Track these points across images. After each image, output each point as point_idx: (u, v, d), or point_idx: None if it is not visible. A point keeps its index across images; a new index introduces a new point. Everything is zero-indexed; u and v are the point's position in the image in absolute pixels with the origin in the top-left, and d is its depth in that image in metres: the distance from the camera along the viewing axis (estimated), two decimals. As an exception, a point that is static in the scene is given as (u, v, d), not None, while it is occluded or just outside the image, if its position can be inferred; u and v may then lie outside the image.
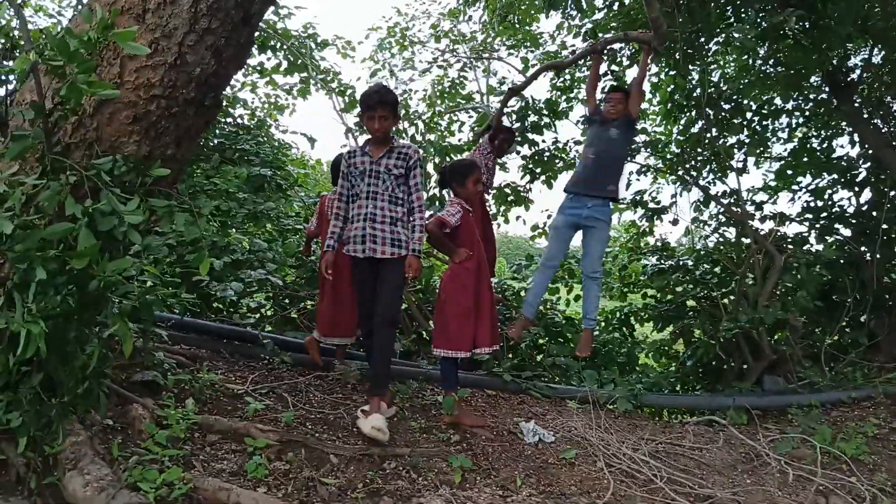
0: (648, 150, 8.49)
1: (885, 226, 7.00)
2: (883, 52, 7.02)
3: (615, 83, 7.98)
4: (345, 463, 3.55)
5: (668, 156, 8.50)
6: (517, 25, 9.00)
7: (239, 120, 8.73)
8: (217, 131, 8.10)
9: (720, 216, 8.39)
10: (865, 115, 7.29)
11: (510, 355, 6.56)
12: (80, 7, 6.23)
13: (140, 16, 3.16)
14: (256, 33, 7.32)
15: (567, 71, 8.45)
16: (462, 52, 8.76)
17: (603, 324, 8.77)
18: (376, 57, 8.95)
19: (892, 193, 7.21)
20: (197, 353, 4.89)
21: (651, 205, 8.63)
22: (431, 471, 3.64)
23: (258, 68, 8.51)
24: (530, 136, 7.98)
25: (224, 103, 7.76)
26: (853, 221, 7.62)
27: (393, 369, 5.66)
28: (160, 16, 3.15)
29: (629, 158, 7.62)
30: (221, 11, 3.20)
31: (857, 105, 7.21)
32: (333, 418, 4.26)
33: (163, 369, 4.02)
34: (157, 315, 4.94)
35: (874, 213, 7.38)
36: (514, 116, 7.83)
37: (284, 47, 7.96)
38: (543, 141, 8.13)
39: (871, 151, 7.39)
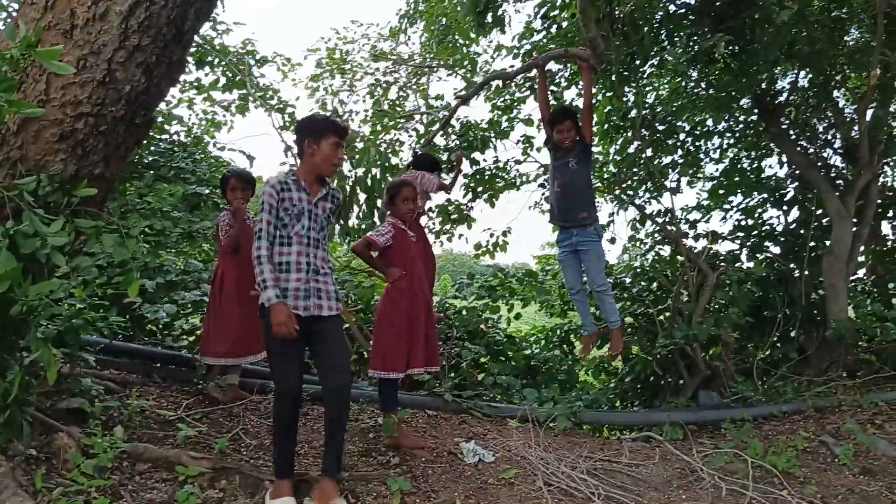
0: (587, 169, 8.63)
1: (812, 243, 7.28)
2: (809, 76, 7.32)
3: (554, 102, 8.15)
4: (281, 489, 3.47)
5: (606, 175, 8.67)
6: (456, 46, 9.09)
7: (175, 137, 8.54)
8: (152, 148, 7.91)
9: (655, 234, 8.58)
10: (793, 137, 7.58)
11: (451, 374, 6.55)
12: (7, 22, 6.04)
13: (68, 32, 3.08)
14: (193, 48, 7.22)
15: (507, 91, 8.56)
16: (402, 73, 8.78)
17: (543, 342, 8.85)
18: (318, 79, 8.88)
19: (819, 212, 7.50)
20: (127, 379, 4.74)
21: (587, 221, 8.75)
22: (370, 495, 3.59)
23: (195, 84, 8.36)
24: (473, 155, 8.03)
25: (159, 119, 7.60)
26: (782, 239, 7.90)
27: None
28: (89, 32, 3.08)
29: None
30: (153, 28, 3.14)
31: (784, 127, 7.49)
32: (270, 443, 4.16)
33: (90, 396, 3.88)
34: (86, 339, 4.77)
35: (801, 231, 7.67)
36: (456, 136, 7.87)
37: (223, 63, 7.84)
38: (485, 160, 8.20)
39: (798, 172, 7.69)
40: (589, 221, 5.36)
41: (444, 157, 7.15)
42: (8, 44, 3.00)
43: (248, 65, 8.06)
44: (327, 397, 3.44)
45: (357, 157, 6.81)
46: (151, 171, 7.18)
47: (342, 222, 7.24)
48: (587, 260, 5.39)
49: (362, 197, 6.87)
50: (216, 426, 4.25)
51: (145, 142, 7.51)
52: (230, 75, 8.05)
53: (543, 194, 8.64)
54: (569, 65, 7.77)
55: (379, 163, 6.78)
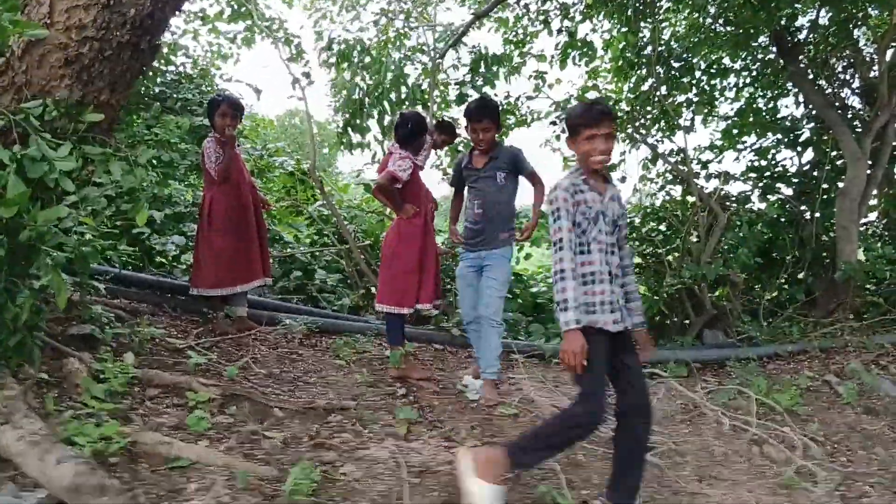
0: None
1: (825, 185, 7.20)
2: (830, 14, 7.11)
3: (568, 38, 7.96)
4: (290, 416, 3.53)
5: (619, 114, 8.53)
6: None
7: (181, 68, 8.42)
8: (158, 79, 7.81)
9: (667, 174, 8.49)
10: (811, 76, 7.41)
11: (458, 310, 6.58)
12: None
13: (69, -49, 2.99)
14: (198, -25, 7.03)
15: (519, 25, 8.38)
16: (408, 1, 8.54)
17: (549, 280, 8.86)
18: (318, 4, 8.64)
19: (833, 154, 7.39)
20: (137, 308, 4.78)
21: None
22: (377, 423, 3.65)
23: (200, 15, 8.19)
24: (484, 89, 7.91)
25: (164, 50, 7.48)
26: (795, 181, 7.81)
27: (341, 324, 5.66)
28: (90, -48, 2.99)
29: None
30: (156, -52, 3.05)
31: (802, 66, 7.32)
32: (279, 372, 4.23)
33: (101, 323, 3.91)
34: (96, 268, 4.80)
35: (815, 173, 7.57)
36: (468, 68, 7.75)
37: (228, -7, 7.67)
38: (496, 95, 8.06)
39: (814, 112, 7.54)
40: (508, 241, 4.53)
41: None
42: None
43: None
44: (631, 417, 2.95)
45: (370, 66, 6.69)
46: (158, 103, 7.11)
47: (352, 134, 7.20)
48: (488, 280, 4.42)
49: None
50: (225, 355, 4.30)
51: (151, 73, 7.41)
52: (235, 6, 7.87)
53: (554, 132, 8.54)
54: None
55: (391, 73, 6.66)
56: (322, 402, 3.74)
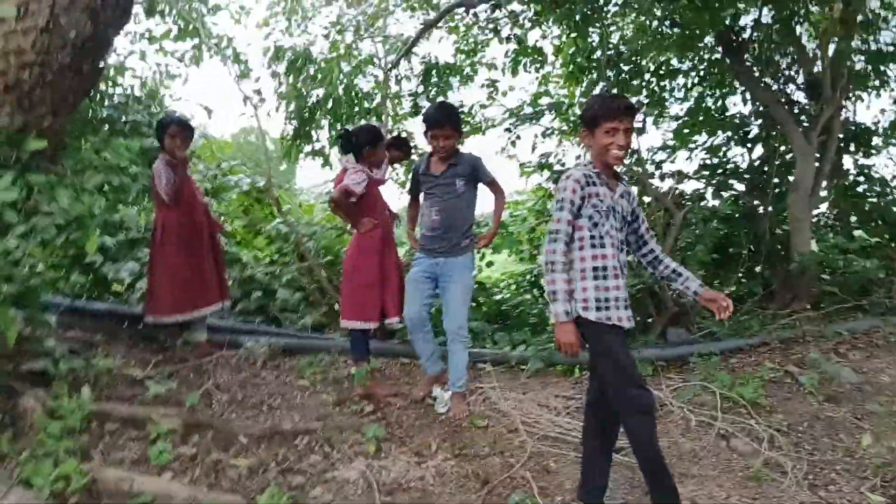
0: (553, 112, 8.56)
1: (776, 179, 7.33)
2: (772, 12, 7.26)
3: (517, 46, 8.00)
4: (255, 442, 3.46)
5: (572, 118, 8.60)
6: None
7: (129, 90, 8.25)
8: (106, 102, 7.63)
9: (622, 175, 8.57)
10: (756, 74, 7.56)
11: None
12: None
13: (2, -25, 2.91)
14: (141, -4, 6.91)
15: (469, 35, 8.41)
16: (358, 16, 8.53)
17: (514, 286, 8.87)
18: (269, 21, 8.56)
19: (783, 149, 7.55)
20: (92, 339, 4.64)
21: (557, 167, 8.73)
22: (345, 443, 3.59)
23: (146, 35, 8.05)
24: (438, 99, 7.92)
25: (110, 71, 7.32)
26: (746, 177, 7.94)
27: (304, 343, 5.57)
28: (26, -25, 2.91)
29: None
30: (94, -30, 2.98)
31: (748, 64, 7.47)
32: (243, 397, 4.15)
33: (54, 357, 3.78)
34: (47, 300, 4.66)
35: (765, 168, 7.72)
36: (420, 79, 7.76)
37: (174, 12, 7.54)
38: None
39: (761, 108, 7.70)
40: (469, 248, 4.43)
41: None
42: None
43: (201, 13, 7.76)
44: (600, 409, 3.01)
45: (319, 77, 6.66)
46: (106, 127, 6.94)
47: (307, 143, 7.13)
48: (451, 291, 4.32)
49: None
50: (186, 383, 4.20)
51: (98, 96, 7.24)
52: (182, 24, 7.75)
53: (510, 139, 8.58)
54: (532, 4, 7.61)
55: (342, 83, 6.63)
56: (288, 426, 3.67)
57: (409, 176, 4.47)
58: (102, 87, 7.12)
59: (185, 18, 7.53)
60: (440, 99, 7.77)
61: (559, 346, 2.80)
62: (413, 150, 6.16)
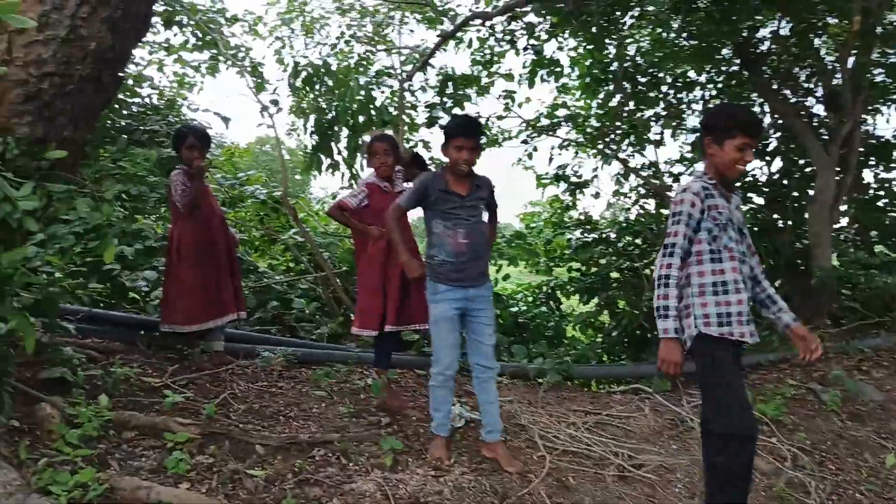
0: (569, 124, 8.55)
1: (795, 193, 7.27)
2: (791, 24, 7.22)
3: (535, 57, 7.99)
4: (272, 453, 3.43)
5: (589, 130, 8.58)
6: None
7: (147, 100, 8.32)
8: (124, 112, 7.70)
9: (640, 188, 8.54)
10: (775, 86, 7.51)
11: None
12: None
13: (27, -15, 2.93)
14: (161, 7, 6.98)
15: (486, 46, 8.40)
16: (368, 26, 8.54)
17: (530, 298, 8.84)
18: (278, 33, 8.58)
19: (802, 162, 7.48)
20: (110, 347, 4.64)
21: (573, 179, 8.72)
22: (362, 455, 3.56)
23: (164, 45, 8.12)
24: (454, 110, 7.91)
25: (129, 82, 7.38)
26: (765, 190, 7.88)
27: (320, 354, 5.55)
28: (49, -15, 2.93)
29: None
30: (117, -20, 2.99)
31: (766, 76, 7.42)
32: (259, 407, 4.13)
33: (72, 365, 3.78)
34: (66, 308, 4.67)
35: (785, 182, 7.65)
36: (437, 90, 7.75)
37: (192, 22, 7.60)
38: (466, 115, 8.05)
39: (780, 121, 7.64)
40: (487, 277, 4.04)
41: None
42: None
43: (218, 24, 7.82)
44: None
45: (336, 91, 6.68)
46: (125, 136, 6.99)
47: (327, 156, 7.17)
48: (485, 325, 3.86)
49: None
50: (203, 392, 4.19)
51: (117, 106, 7.31)
52: (199, 35, 7.81)
53: (526, 150, 8.57)
54: (548, 16, 7.60)
55: (359, 98, 6.63)
56: (305, 437, 3.65)
57: (417, 185, 3.89)
58: (121, 96, 7.18)
59: (203, 29, 7.58)
60: (455, 111, 7.76)
61: (662, 363, 2.75)
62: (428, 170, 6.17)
